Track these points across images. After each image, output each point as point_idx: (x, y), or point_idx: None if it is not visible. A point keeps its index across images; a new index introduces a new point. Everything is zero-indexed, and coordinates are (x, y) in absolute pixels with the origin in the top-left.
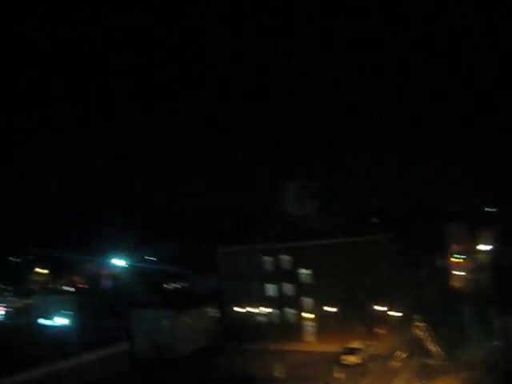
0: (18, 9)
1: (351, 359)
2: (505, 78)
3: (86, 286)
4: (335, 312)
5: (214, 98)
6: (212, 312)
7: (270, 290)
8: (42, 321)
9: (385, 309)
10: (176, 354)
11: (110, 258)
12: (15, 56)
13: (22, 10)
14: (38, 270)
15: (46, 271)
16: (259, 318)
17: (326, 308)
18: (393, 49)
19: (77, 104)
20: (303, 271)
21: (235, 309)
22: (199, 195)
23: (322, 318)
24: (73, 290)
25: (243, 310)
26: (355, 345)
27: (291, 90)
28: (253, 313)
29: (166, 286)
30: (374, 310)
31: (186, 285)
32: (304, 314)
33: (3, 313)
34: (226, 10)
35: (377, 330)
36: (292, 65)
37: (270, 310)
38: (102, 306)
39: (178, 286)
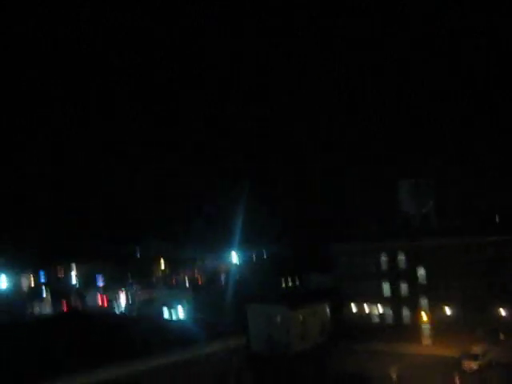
0: (18, 9)
1: (472, 365)
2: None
3: (204, 281)
4: (454, 314)
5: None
6: (326, 310)
7: (386, 289)
8: (163, 313)
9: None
10: (290, 350)
11: (228, 254)
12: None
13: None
14: (160, 264)
15: (167, 266)
16: (374, 318)
17: (444, 310)
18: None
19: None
20: (420, 271)
21: (349, 307)
22: (315, 193)
23: (440, 320)
24: (192, 284)
25: (358, 309)
26: (476, 350)
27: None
28: (367, 312)
29: (281, 282)
30: (498, 313)
31: (301, 282)
32: (420, 316)
33: (126, 304)
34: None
35: (500, 335)
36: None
37: (384, 309)
38: (219, 301)
39: (293, 282)
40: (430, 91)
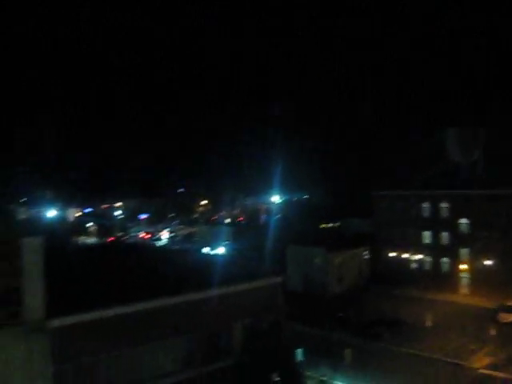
0: (18, 9)
1: (508, 317)
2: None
3: (245, 220)
4: (494, 266)
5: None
6: (364, 254)
7: (426, 237)
8: (204, 248)
9: None
10: (327, 291)
11: (269, 195)
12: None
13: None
14: (201, 201)
15: (208, 203)
16: (412, 265)
17: (484, 261)
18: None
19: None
20: (463, 221)
21: (388, 253)
22: (354, 134)
23: (479, 271)
24: (233, 222)
25: (396, 255)
26: None
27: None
28: (406, 259)
29: (321, 225)
30: None
31: (341, 226)
32: (460, 265)
33: (168, 238)
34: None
35: None
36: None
37: (424, 257)
38: (259, 239)
39: (332, 226)
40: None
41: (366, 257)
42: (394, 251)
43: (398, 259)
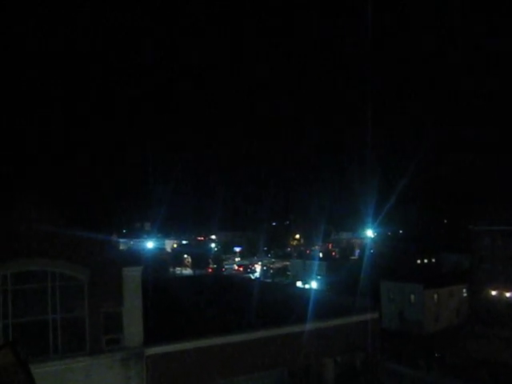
0: (18, 9)
1: None
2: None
3: (339, 255)
4: None
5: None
6: (463, 292)
7: None
8: (297, 282)
9: None
10: (423, 329)
11: (363, 230)
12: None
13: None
14: (295, 235)
15: (301, 237)
16: None
17: None
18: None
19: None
20: None
21: (488, 291)
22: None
23: None
24: (326, 257)
25: (497, 294)
26: None
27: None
28: (507, 297)
29: (417, 260)
30: None
31: (438, 261)
32: None
33: (261, 271)
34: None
35: None
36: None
37: None
38: (352, 274)
39: (429, 261)
40: None
41: (464, 295)
42: (495, 289)
43: (499, 298)
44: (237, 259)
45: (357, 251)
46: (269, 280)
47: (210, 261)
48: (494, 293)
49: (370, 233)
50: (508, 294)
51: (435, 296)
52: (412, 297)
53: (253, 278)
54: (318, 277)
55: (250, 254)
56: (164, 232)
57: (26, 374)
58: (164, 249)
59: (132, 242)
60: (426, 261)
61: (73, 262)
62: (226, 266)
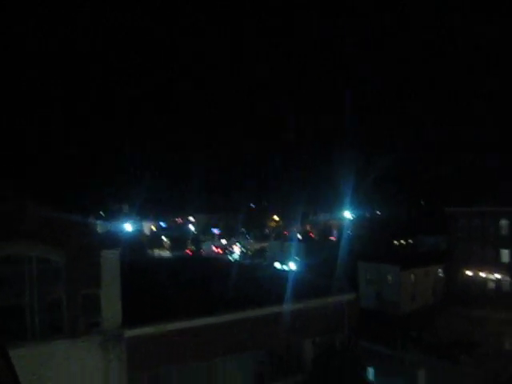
0: (17, 9)
1: None
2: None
3: (316, 236)
4: None
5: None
6: (438, 273)
7: (505, 255)
8: (274, 264)
9: None
10: (399, 309)
11: (340, 210)
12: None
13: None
14: (273, 216)
15: (279, 219)
16: (489, 285)
17: None
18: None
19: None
20: None
21: (464, 271)
22: (430, 152)
23: None
24: (304, 238)
25: (472, 274)
26: None
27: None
28: (483, 278)
29: (394, 241)
30: None
31: (414, 242)
32: None
33: (239, 253)
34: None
35: None
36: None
37: (502, 276)
38: (330, 255)
39: (406, 242)
40: None
41: (440, 275)
42: (471, 270)
43: (474, 278)
44: (222, 241)
45: (335, 232)
46: (247, 261)
47: (189, 242)
48: (469, 273)
49: (347, 214)
50: (482, 274)
51: (412, 276)
52: (389, 277)
53: (231, 259)
54: (296, 258)
55: (228, 236)
56: (142, 214)
57: (4, 360)
58: (142, 231)
59: (110, 225)
60: (403, 242)
61: (49, 244)
62: (204, 248)
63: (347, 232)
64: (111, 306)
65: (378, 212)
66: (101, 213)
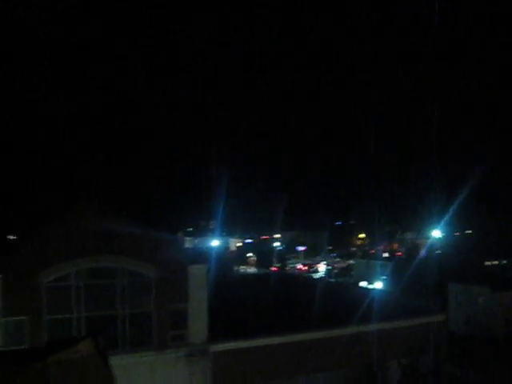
0: (17, 8)
1: None
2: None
3: (403, 254)
4: None
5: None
6: None
7: None
8: (361, 282)
9: None
10: (492, 333)
11: (429, 229)
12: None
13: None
14: (359, 235)
15: (365, 236)
16: None
17: None
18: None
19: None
20: None
21: None
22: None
23: None
24: (390, 256)
25: None
26: None
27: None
28: None
29: (484, 261)
30: None
31: (507, 263)
32: None
33: (325, 270)
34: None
35: None
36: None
37: None
38: (419, 275)
39: (499, 263)
40: None
41: None
42: None
43: None
44: (300, 258)
45: (423, 252)
46: (332, 280)
47: (274, 260)
48: None
49: (436, 233)
50: None
51: (506, 299)
52: (480, 300)
53: (316, 277)
54: (383, 277)
55: (314, 254)
56: (228, 231)
57: (106, 366)
58: (229, 247)
59: (197, 241)
60: (496, 262)
61: (140, 259)
62: (289, 265)
63: (436, 251)
64: (198, 320)
65: (468, 231)
66: (189, 229)
